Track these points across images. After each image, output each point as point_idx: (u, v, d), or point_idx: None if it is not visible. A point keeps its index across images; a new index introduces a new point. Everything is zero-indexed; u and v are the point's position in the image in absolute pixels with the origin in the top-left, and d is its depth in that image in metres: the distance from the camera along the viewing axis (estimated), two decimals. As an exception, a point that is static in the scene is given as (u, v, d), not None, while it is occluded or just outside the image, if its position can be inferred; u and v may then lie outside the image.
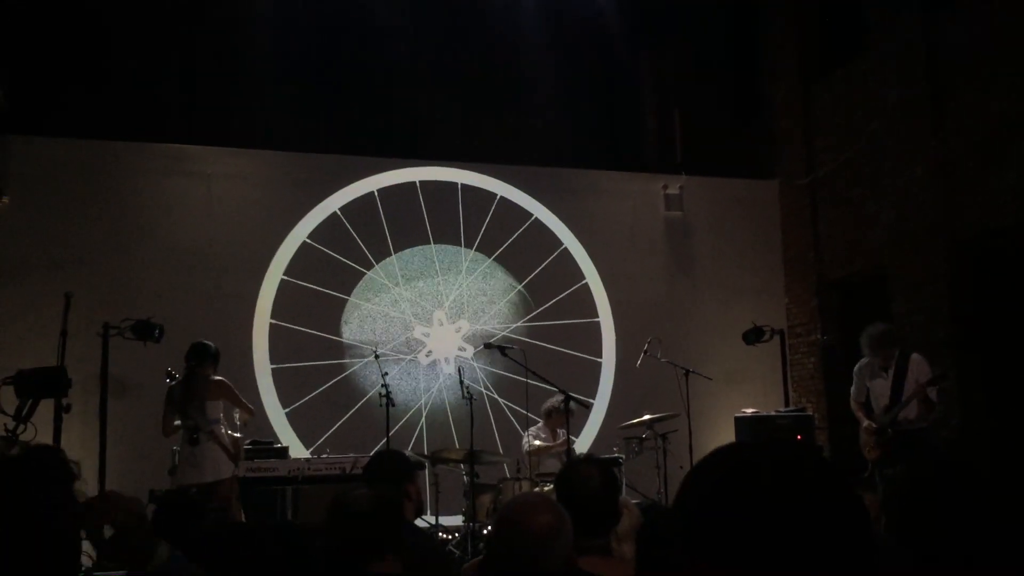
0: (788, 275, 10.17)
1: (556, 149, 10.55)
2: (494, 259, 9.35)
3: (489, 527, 6.14)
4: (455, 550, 6.52)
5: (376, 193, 9.13)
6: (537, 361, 8.15)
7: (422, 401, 8.87)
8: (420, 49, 10.16)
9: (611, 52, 11.11)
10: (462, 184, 9.40)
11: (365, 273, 8.99)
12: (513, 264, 9.42)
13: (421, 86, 10.30)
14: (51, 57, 8.88)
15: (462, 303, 9.23)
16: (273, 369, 8.54)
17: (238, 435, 6.80)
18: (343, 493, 2.84)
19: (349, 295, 8.90)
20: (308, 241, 8.85)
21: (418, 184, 9.29)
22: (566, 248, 9.59)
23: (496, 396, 8.93)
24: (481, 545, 6.26)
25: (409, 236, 9.19)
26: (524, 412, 8.29)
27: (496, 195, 9.49)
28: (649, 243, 9.89)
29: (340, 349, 8.82)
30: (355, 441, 8.14)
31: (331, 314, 8.83)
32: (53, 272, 7.81)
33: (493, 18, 10.49)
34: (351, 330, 8.87)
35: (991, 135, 7.78)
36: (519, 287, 9.38)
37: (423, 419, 8.84)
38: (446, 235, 9.31)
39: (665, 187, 9.98)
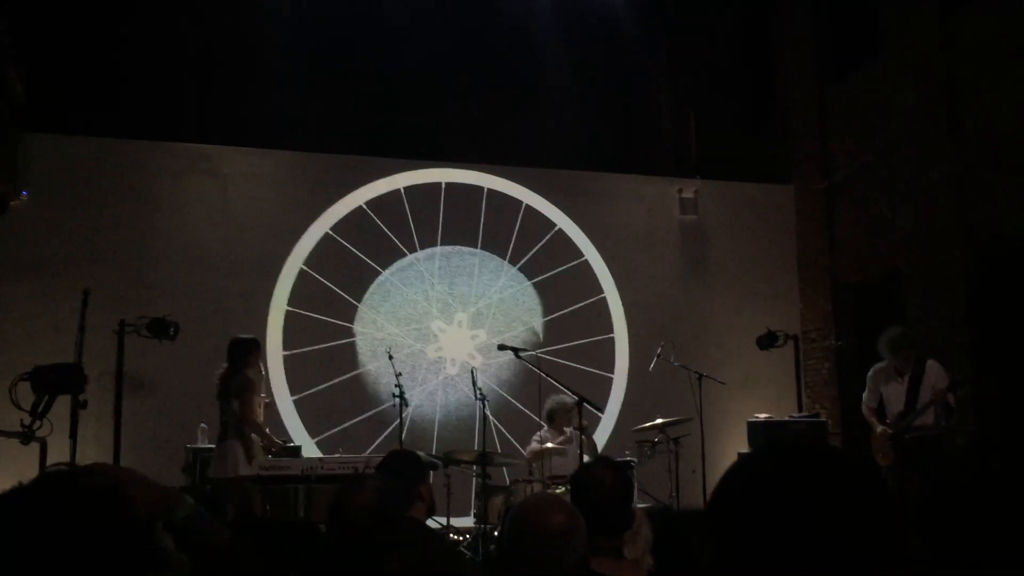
0: (803, 280, 10.14)
1: (570, 152, 10.56)
2: (519, 270, 9.40)
3: (500, 527, 6.14)
4: (466, 551, 6.52)
5: (443, 185, 9.32)
6: (550, 369, 8.23)
7: (415, 392, 8.88)
8: (436, 52, 10.18)
9: (627, 56, 11.11)
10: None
11: (407, 254, 9.12)
12: (529, 267, 9.44)
13: (436, 88, 10.33)
14: (70, 56, 8.95)
15: (487, 313, 9.27)
16: (285, 357, 8.60)
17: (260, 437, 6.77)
18: (348, 485, 2.78)
19: (384, 269, 9.03)
20: (364, 207, 9.04)
21: (480, 187, 9.37)
22: (579, 250, 9.59)
23: (487, 413, 8.93)
24: (492, 547, 6.26)
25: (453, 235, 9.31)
26: (510, 437, 8.48)
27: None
28: (663, 247, 9.87)
29: (353, 337, 8.90)
30: (357, 433, 8.34)
31: (358, 286, 8.95)
32: (70, 269, 7.87)
33: (509, 22, 10.52)
34: (373, 305, 8.95)
35: (1008, 138, 7.74)
36: (541, 316, 9.40)
37: (409, 411, 8.84)
38: (462, 238, 9.35)
39: (680, 191, 9.96)
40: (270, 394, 6.94)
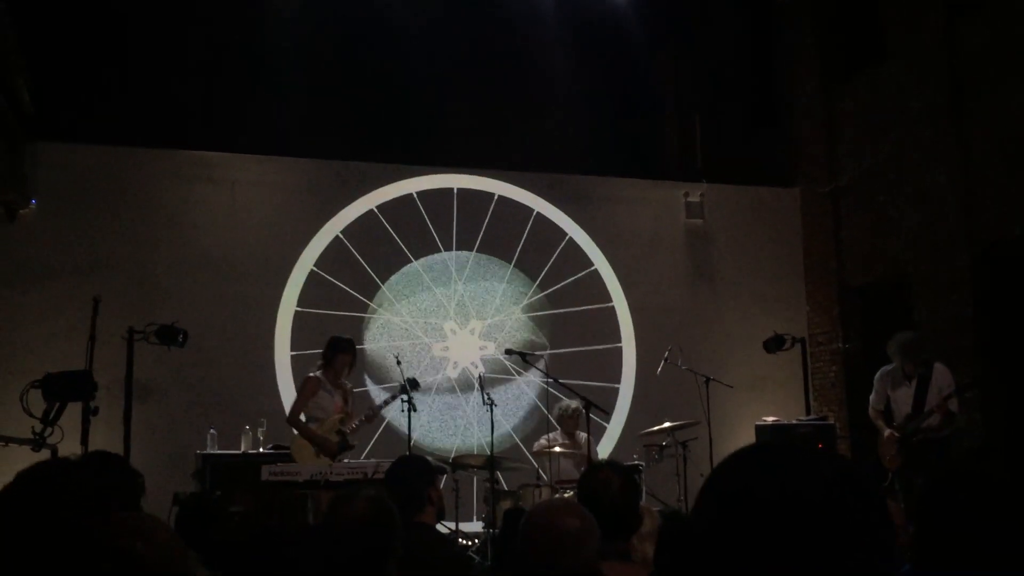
0: (809, 283, 10.13)
1: (576, 157, 10.56)
2: (495, 259, 9.44)
3: (503, 529, 6.16)
4: (475, 556, 6.53)
5: (416, 195, 9.33)
6: (558, 367, 8.24)
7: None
8: (441, 56, 10.20)
9: (632, 60, 11.11)
10: (457, 189, 9.48)
11: (441, 251, 9.26)
12: (537, 272, 9.46)
13: (442, 93, 10.34)
14: (78, 64, 9.00)
15: (502, 329, 9.30)
16: (298, 312, 8.72)
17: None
18: (340, 495, 2.77)
19: (416, 259, 9.19)
20: (414, 196, 9.20)
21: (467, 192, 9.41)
22: (587, 255, 9.61)
23: (468, 421, 9.00)
24: (494, 548, 6.27)
25: (421, 247, 9.31)
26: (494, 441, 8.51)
27: (494, 195, 9.54)
28: (670, 251, 9.88)
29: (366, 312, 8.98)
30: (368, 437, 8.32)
31: (386, 268, 9.07)
32: (79, 277, 7.91)
33: (513, 26, 10.53)
34: (395, 288, 9.07)
35: (1014, 140, 7.74)
36: (533, 291, 9.42)
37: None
38: (467, 243, 9.39)
39: (686, 195, 9.97)
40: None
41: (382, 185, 9.21)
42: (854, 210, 9.62)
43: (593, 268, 9.60)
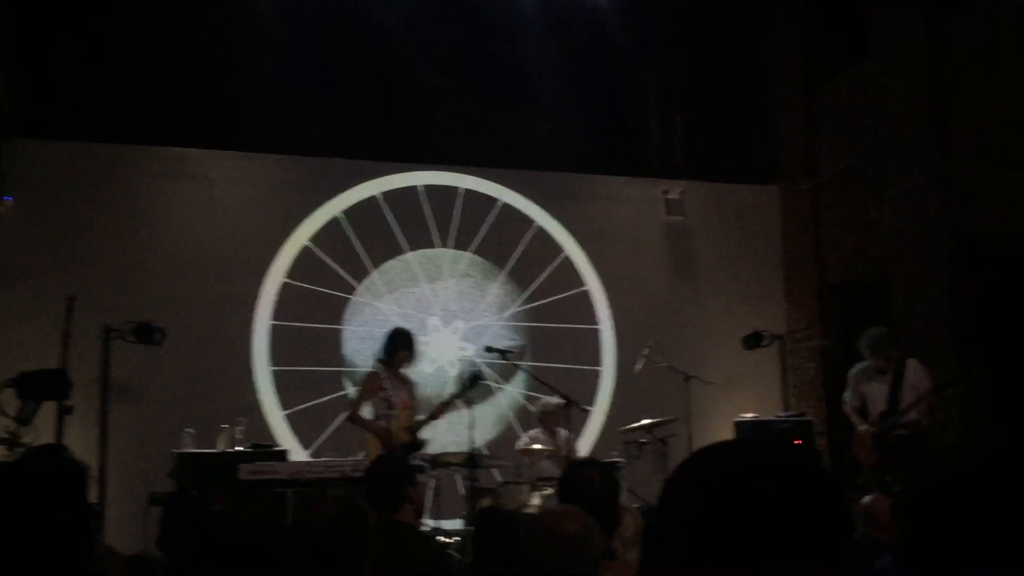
0: (788, 280, 10.18)
1: (557, 153, 10.56)
2: (489, 263, 9.43)
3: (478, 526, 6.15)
4: (456, 553, 6.52)
5: (380, 196, 9.25)
6: (536, 369, 8.25)
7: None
8: (423, 53, 10.17)
9: (614, 57, 11.12)
10: (465, 189, 9.46)
11: (435, 247, 9.25)
12: (513, 269, 9.45)
13: (424, 90, 10.31)
14: (55, 61, 8.91)
15: (485, 334, 9.27)
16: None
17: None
18: (311, 496, 2.79)
19: (410, 250, 9.19)
20: (419, 188, 9.29)
21: (431, 188, 9.37)
22: (566, 253, 9.61)
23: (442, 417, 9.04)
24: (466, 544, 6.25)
25: (416, 240, 9.28)
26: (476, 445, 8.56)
27: (498, 201, 9.53)
28: (649, 248, 9.90)
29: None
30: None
31: (379, 254, 9.07)
32: (55, 274, 7.82)
33: (496, 22, 10.51)
34: (384, 276, 9.07)
35: (995, 139, 7.80)
36: (518, 291, 9.41)
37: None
38: (447, 240, 9.36)
39: (666, 192, 9.99)
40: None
41: (361, 182, 9.19)
42: (834, 208, 9.67)
43: (585, 288, 9.59)
